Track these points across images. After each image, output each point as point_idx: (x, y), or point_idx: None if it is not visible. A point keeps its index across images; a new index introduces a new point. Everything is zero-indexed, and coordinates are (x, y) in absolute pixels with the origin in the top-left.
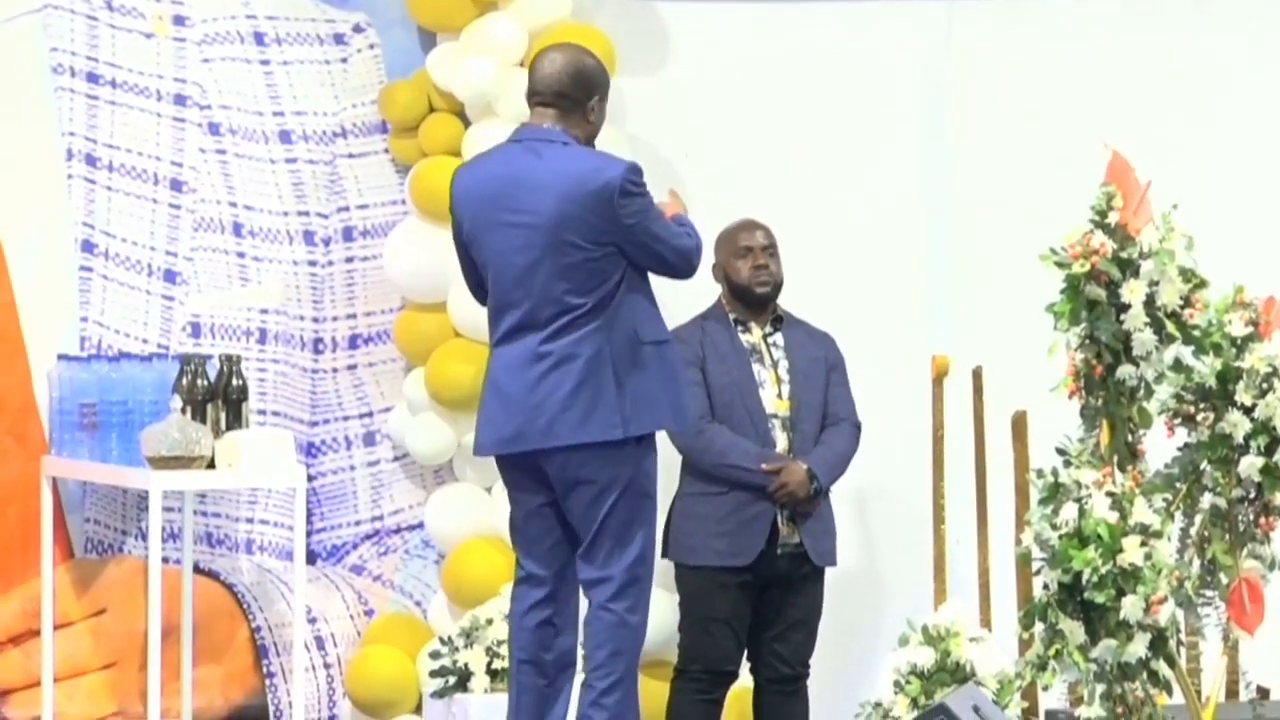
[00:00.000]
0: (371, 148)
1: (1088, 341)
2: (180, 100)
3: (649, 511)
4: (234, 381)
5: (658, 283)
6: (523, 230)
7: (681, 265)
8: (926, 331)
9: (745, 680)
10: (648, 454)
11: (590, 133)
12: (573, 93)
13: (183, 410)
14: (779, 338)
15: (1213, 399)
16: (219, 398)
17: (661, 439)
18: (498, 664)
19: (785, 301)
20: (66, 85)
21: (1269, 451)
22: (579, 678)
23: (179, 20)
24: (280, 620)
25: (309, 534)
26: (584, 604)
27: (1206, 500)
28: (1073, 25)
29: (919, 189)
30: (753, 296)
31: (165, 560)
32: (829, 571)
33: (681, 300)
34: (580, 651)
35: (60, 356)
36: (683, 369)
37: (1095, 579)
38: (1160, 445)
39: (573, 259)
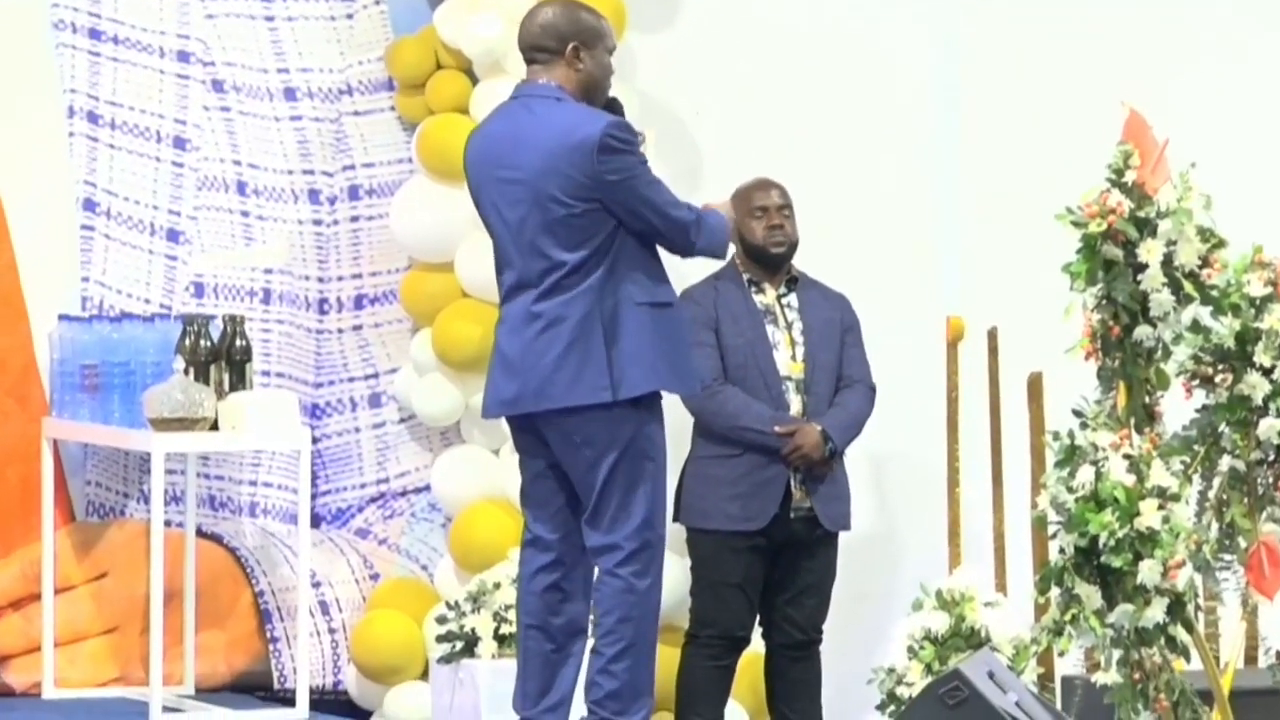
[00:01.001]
0: (377, 105)
1: (1104, 302)
2: (184, 57)
3: (652, 475)
4: (238, 342)
5: None
6: (512, 186)
7: (674, 236)
8: (941, 292)
9: (757, 645)
10: (648, 418)
11: (582, 82)
12: (546, 43)
13: (185, 371)
14: (793, 299)
15: (1231, 360)
16: (222, 359)
17: (675, 402)
18: (505, 629)
19: (798, 262)
20: (68, 41)
21: None
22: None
23: None
24: (284, 585)
25: (313, 497)
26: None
27: (1225, 463)
28: None
29: (933, 147)
30: (767, 257)
31: (167, 524)
32: (842, 535)
33: (695, 261)
34: (591, 618)
35: (61, 317)
36: (687, 332)
37: (1112, 543)
38: (1178, 407)
39: (555, 214)
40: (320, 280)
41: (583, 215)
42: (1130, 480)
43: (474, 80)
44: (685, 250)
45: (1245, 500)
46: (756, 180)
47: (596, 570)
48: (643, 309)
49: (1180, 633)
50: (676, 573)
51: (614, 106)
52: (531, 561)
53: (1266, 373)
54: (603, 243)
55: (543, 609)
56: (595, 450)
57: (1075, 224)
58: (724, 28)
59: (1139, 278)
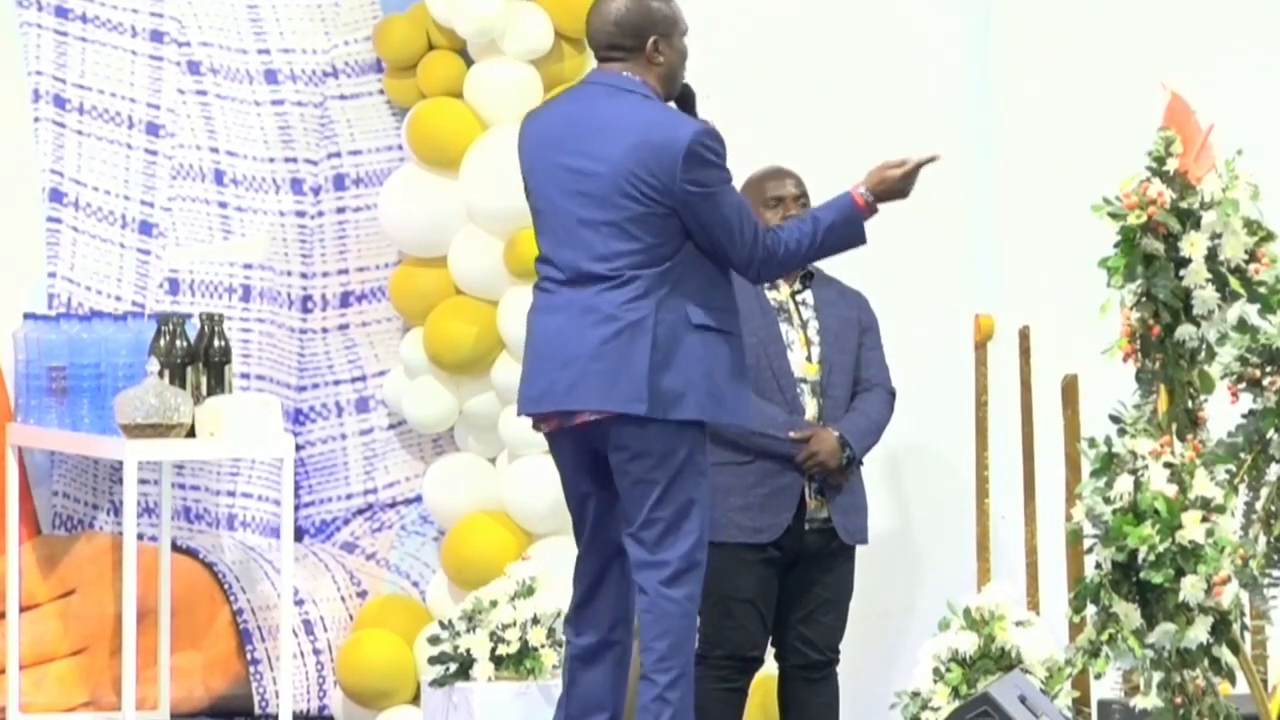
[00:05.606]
0: (365, 88)
1: (1144, 299)
2: (157, 37)
3: (705, 493)
4: (216, 343)
5: None
6: (581, 176)
7: (741, 264)
8: (969, 289)
9: (770, 667)
10: (701, 438)
11: (663, 73)
12: (624, 41)
13: (160, 374)
14: (808, 295)
15: None
16: (200, 360)
17: None
18: (502, 650)
19: None
20: (33, 20)
21: None
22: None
23: None
24: (265, 603)
25: (296, 509)
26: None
27: (1274, 472)
28: None
29: (961, 134)
30: None
31: (139, 537)
32: (865, 549)
33: None
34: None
35: (27, 315)
36: (744, 362)
37: (1152, 558)
38: (1223, 412)
39: (626, 213)
40: (303, 276)
41: (654, 219)
42: (1172, 491)
43: (468, 61)
44: (753, 280)
45: None
46: (770, 169)
47: (641, 588)
48: (700, 332)
49: (1225, 654)
50: None
51: (688, 95)
52: (582, 578)
53: None
54: (669, 252)
55: (605, 624)
56: (648, 465)
57: (1113, 216)
58: (736, 5)
59: (1181, 273)
